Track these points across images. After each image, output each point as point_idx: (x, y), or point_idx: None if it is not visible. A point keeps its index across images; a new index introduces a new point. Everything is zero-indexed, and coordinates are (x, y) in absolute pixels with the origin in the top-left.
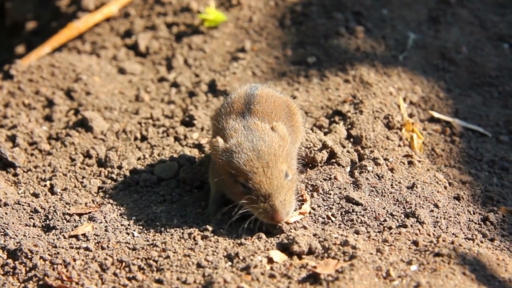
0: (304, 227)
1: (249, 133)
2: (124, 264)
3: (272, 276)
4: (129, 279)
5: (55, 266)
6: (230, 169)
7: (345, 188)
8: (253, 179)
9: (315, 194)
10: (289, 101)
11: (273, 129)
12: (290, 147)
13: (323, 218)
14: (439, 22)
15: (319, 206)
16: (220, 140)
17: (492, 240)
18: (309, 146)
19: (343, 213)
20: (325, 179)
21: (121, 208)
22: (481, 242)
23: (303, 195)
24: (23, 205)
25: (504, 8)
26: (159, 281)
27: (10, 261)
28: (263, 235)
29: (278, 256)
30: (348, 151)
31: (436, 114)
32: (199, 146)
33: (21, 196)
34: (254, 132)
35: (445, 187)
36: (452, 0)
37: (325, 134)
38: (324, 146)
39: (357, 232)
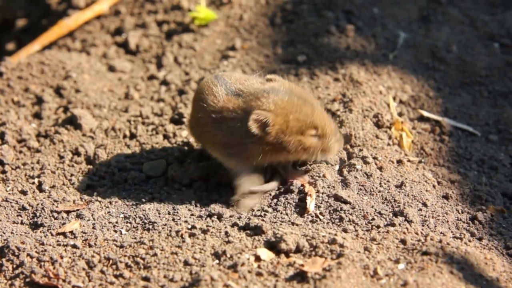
0: (292, 225)
1: (275, 89)
2: (111, 261)
3: (259, 274)
4: (116, 276)
5: (42, 263)
6: (292, 126)
7: (333, 187)
8: (321, 125)
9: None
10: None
11: (270, 80)
12: None
13: (312, 216)
14: (429, 21)
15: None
16: (263, 113)
17: (480, 239)
18: None
19: (332, 211)
20: (313, 177)
21: (109, 206)
22: (469, 241)
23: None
24: (11, 202)
25: (495, 8)
26: (146, 279)
27: None
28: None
29: (266, 254)
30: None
31: (425, 113)
32: (188, 144)
33: (9, 193)
34: (281, 88)
35: (434, 186)
36: None
37: None
38: None
39: (345, 231)
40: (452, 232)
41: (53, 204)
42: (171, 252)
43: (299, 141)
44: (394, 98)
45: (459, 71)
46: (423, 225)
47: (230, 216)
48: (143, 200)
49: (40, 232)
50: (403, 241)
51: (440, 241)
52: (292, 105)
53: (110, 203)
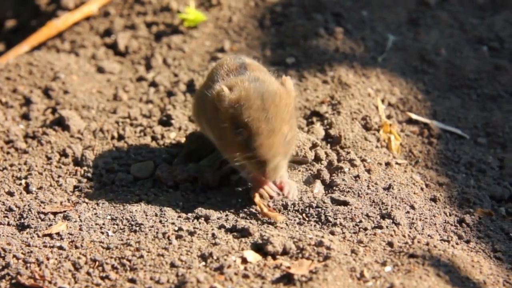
0: (279, 227)
1: (258, 85)
2: (97, 263)
3: (245, 276)
4: (102, 278)
5: (28, 264)
6: (237, 121)
7: (321, 189)
8: (256, 141)
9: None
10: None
11: (282, 83)
12: (294, 105)
13: (299, 218)
14: (418, 24)
15: (294, 206)
16: (226, 90)
17: (467, 242)
18: (298, 145)
19: (319, 213)
20: (301, 180)
21: (96, 207)
22: (457, 243)
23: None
24: None
25: (484, 11)
26: (132, 281)
27: None
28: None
29: (252, 256)
30: (325, 152)
31: (414, 116)
32: (176, 146)
33: None
34: (263, 85)
35: (422, 189)
36: (432, 2)
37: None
38: (314, 145)
39: (332, 233)
40: (439, 234)
41: (40, 205)
42: (158, 254)
43: (227, 131)
44: (382, 101)
45: (448, 74)
46: (410, 228)
47: (218, 218)
48: (130, 201)
49: (27, 233)
50: (390, 244)
51: (427, 244)
52: (248, 97)
53: (97, 204)
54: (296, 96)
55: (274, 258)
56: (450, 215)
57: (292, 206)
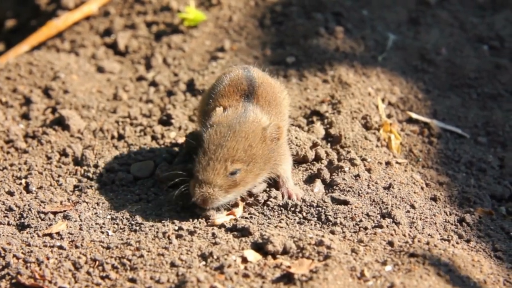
0: (279, 227)
1: (236, 120)
2: (97, 262)
3: (245, 275)
4: (102, 278)
5: (28, 264)
6: (200, 138)
7: (321, 188)
8: (199, 157)
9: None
10: (280, 86)
11: (265, 128)
12: (271, 149)
13: (299, 218)
14: (418, 24)
15: (295, 206)
16: (219, 111)
17: (468, 241)
18: (299, 144)
19: (319, 213)
20: (301, 179)
21: (96, 207)
22: (457, 243)
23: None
24: None
25: (484, 10)
26: (132, 280)
27: None
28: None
29: (253, 256)
30: (326, 151)
31: (414, 115)
32: (176, 145)
33: None
34: (241, 120)
35: (422, 188)
36: (432, 1)
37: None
38: (314, 144)
39: (332, 232)
40: (439, 234)
41: (40, 205)
42: (158, 253)
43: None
44: (382, 100)
45: (448, 73)
46: (410, 227)
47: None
48: (131, 201)
49: (27, 233)
50: (391, 243)
51: (428, 243)
52: (220, 124)
53: (98, 204)
54: (278, 140)
55: (274, 257)
56: (450, 214)
57: (293, 205)
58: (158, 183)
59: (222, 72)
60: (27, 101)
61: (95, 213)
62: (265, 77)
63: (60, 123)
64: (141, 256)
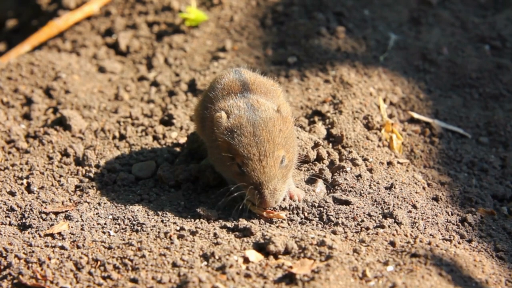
0: (281, 227)
1: (252, 113)
2: (99, 263)
3: (247, 276)
4: (104, 278)
5: (30, 264)
6: (229, 148)
7: (323, 189)
8: (248, 165)
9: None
10: (274, 83)
11: (277, 110)
12: (292, 129)
13: (301, 218)
14: (420, 23)
15: (296, 206)
16: (224, 115)
17: (469, 241)
18: (300, 144)
19: (321, 213)
20: (302, 179)
21: (98, 207)
22: (459, 243)
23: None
24: None
25: (485, 10)
26: (134, 280)
27: None
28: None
29: (254, 256)
30: (327, 151)
31: (416, 115)
32: (177, 145)
33: None
34: (257, 113)
35: (424, 188)
36: (433, 1)
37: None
38: (316, 144)
39: (334, 232)
40: (441, 234)
41: (41, 205)
42: (160, 253)
43: (227, 159)
44: (384, 100)
45: (450, 73)
46: (412, 227)
47: (219, 218)
48: (132, 201)
49: (28, 233)
50: (392, 243)
51: (429, 243)
52: (240, 125)
53: (99, 204)
54: (292, 122)
55: (276, 257)
56: (452, 214)
57: (294, 206)
58: (159, 184)
59: (212, 79)
60: (29, 101)
61: (97, 213)
62: (256, 75)
63: (62, 123)
64: (143, 256)
